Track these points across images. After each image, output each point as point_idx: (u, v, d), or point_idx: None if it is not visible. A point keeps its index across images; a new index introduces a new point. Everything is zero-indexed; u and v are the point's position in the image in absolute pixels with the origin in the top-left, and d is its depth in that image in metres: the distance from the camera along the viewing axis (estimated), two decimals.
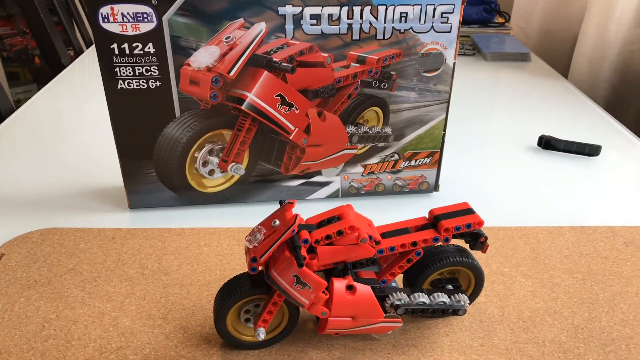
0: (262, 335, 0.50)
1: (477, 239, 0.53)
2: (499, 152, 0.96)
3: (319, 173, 0.76)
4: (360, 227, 0.48)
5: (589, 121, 1.10)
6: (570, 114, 1.14)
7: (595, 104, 1.20)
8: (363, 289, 0.50)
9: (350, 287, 0.49)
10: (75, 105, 1.17)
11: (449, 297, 0.53)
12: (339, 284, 0.49)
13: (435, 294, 0.52)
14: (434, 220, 0.53)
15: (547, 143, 0.95)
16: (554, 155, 0.95)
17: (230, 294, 0.50)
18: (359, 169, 0.77)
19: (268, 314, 0.50)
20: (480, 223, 0.52)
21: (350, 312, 0.50)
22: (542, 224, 0.74)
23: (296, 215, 0.47)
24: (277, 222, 0.48)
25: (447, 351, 0.53)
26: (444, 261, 0.53)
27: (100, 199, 0.79)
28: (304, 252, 0.47)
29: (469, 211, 0.53)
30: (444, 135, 0.76)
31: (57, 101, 1.21)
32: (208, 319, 0.57)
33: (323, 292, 0.48)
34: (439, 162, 0.78)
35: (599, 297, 0.61)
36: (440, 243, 0.52)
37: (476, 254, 0.63)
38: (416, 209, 0.75)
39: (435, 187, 0.80)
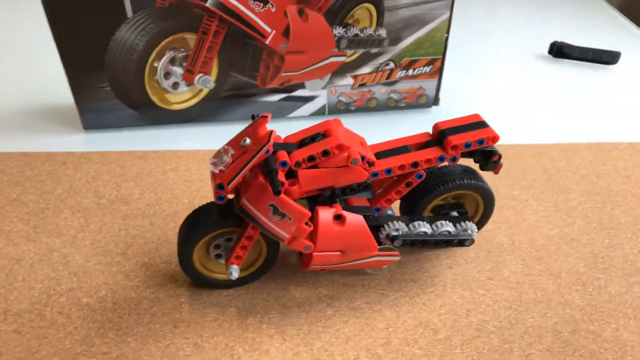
0: (235, 273, 0.42)
1: (490, 158, 0.44)
2: (506, 61, 0.85)
3: (301, 86, 0.66)
4: (350, 146, 0.39)
5: (605, 26, 0.98)
6: (584, 18, 1.02)
7: (612, 7, 1.08)
8: (354, 219, 0.41)
9: (338, 217, 0.41)
10: (16, 14, 1.03)
11: (454, 226, 0.45)
12: (325, 214, 0.41)
13: (438, 223, 0.45)
14: (440, 136, 0.44)
15: (559, 50, 0.84)
16: (567, 64, 0.84)
17: (196, 227, 0.42)
18: (348, 80, 0.67)
19: (242, 250, 0.42)
20: (495, 138, 0.43)
21: (339, 245, 0.42)
22: (555, 141, 0.66)
23: (271, 132, 0.38)
24: (248, 140, 0.39)
25: (451, 286, 0.46)
26: (449, 184, 0.45)
27: (50, 120, 0.68)
28: (281, 176, 0.38)
29: (480, 124, 0.44)
30: (447, 39, 0.65)
31: None
32: (175, 255, 0.49)
33: (306, 223, 0.40)
34: (440, 72, 0.68)
35: (620, 222, 0.53)
36: (446, 163, 0.43)
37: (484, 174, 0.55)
38: (413, 126, 0.66)
39: (435, 101, 0.71)
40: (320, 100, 0.68)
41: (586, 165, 0.61)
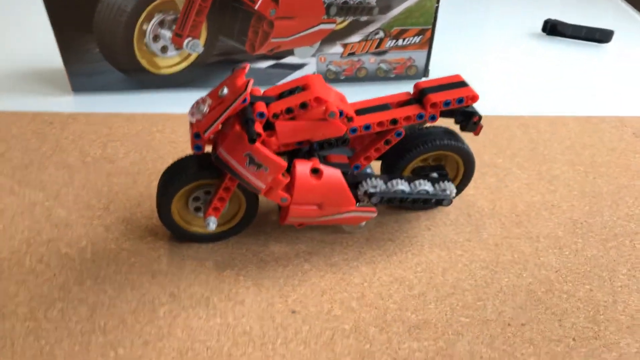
0: (212, 225, 0.42)
1: (470, 119, 0.45)
2: (498, 38, 0.85)
3: (291, 53, 0.66)
4: (328, 100, 0.39)
5: (600, 5, 0.98)
6: None
7: None
8: (331, 173, 0.42)
9: (315, 171, 0.41)
10: None
11: (433, 186, 0.45)
12: (302, 167, 0.41)
13: (416, 182, 0.45)
14: (420, 95, 0.44)
15: (552, 28, 0.84)
16: (560, 41, 0.84)
17: (174, 178, 0.42)
18: (337, 48, 0.66)
19: (219, 201, 0.42)
20: (475, 97, 0.43)
21: (316, 198, 0.42)
22: (542, 114, 0.66)
23: (248, 81, 0.38)
24: (226, 90, 0.39)
25: (428, 246, 0.47)
26: (428, 144, 0.45)
27: (40, 81, 0.68)
28: (258, 127, 0.39)
29: (461, 84, 0.44)
30: (437, 9, 0.65)
31: None
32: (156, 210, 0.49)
33: (282, 175, 0.41)
34: (429, 42, 0.68)
35: (602, 191, 0.54)
36: (425, 121, 0.44)
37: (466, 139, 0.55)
38: None
39: (425, 73, 0.70)
40: (310, 69, 0.68)
41: (572, 137, 0.61)
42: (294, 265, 0.45)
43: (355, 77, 0.69)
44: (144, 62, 0.64)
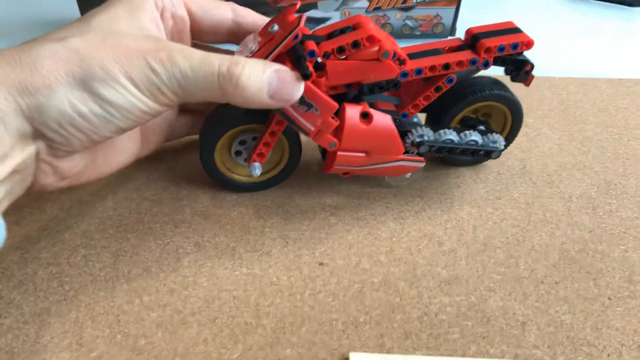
0: (257, 170, 0.42)
1: (522, 68, 0.42)
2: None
3: (314, 6, 0.64)
4: (381, 39, 0.38)
5: None
6: None
7: None
8: (381, 118, 0.40)
9: (365, 115, 0.40)
10: None
11: (482, 137, 0.43)
12: (352, 110, 0.39)
13: (465, 132, 0.43)
14: (472, 40, 0.42)
15: None
16: (586, 3, 0.81)
17: (219, 122, 0.41)
18: (363, 2, 0.64)
19: (264, 146, 0.41)
20: (530, 43, 0.41)
21: (365, 145, 0.40)
22: (573, 76, 0.63)
23: (300, 17, 0.37)
24: (276, 27, 0.38)
25: (458, 203, 0.45)
26: (478, 94, 0.43)
27: None
28: (309, 66, 0.37)
29: (514, 30, 0.42)
30: None
31: None
32: (177, 160, 0.48)
33: (332, 118, 0.39)
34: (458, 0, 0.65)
35: (636, 153, 0.52)
36: (478, 68, 0.41)
37: None
38: None
39: (452, 31, 0.68)
40: None
41: (604, 99, 0.59)
42: (320, 219, 0.43)
43: None
44: None
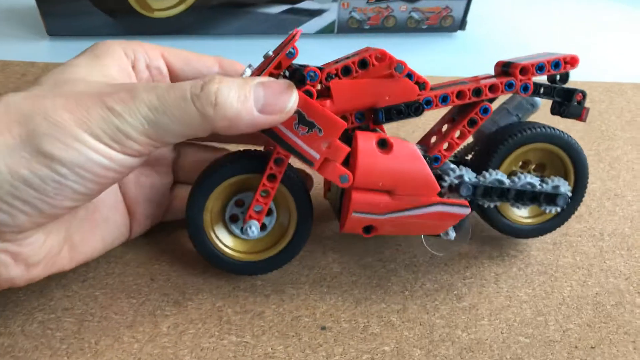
0: (254, 229, 0.33)
1: (571, 97, 0.36)
2: None
3: None
4: (392, 55, 0.31)
5: None
6: None
7: None
8: (404, 145, 0.33)
9: (383, 143, 0.33)
10: None
11: (539, 181, 0.36)
12: (366, 136, 0.32)
13: (517, 175, 0.36)
14: (504, 67, 0.35)
15: None
16: (608, 1, 0.74)
17: (212, 172, 0.34)
18: None
19: (263, 197, 0.33)
20: (574, 60, 0.35)
21: (386, 180, 0.32)
22: (596, 79, 0.57)
23: (295, 33, 0.30)
24: (271, 51, 0.31)
25: (477, 244, 0.40)
26: (526, 131, 0.35)
27: (9, 23, 0.58)
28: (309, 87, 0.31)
29: (551, 54, 0.36)
30: None
31: None
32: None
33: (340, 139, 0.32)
34: None
35: None
36: (516, 93, 0.35)
37: None
38: (436, 52, 0.57)
39: (462, 25, 0.61)
40: (330, 16, 0.58)
41: (632, 109, 0.53)
42: (321, 267, 0.38)
43: (382, 27, 0.59)
44: (134, 3, 0.54)
